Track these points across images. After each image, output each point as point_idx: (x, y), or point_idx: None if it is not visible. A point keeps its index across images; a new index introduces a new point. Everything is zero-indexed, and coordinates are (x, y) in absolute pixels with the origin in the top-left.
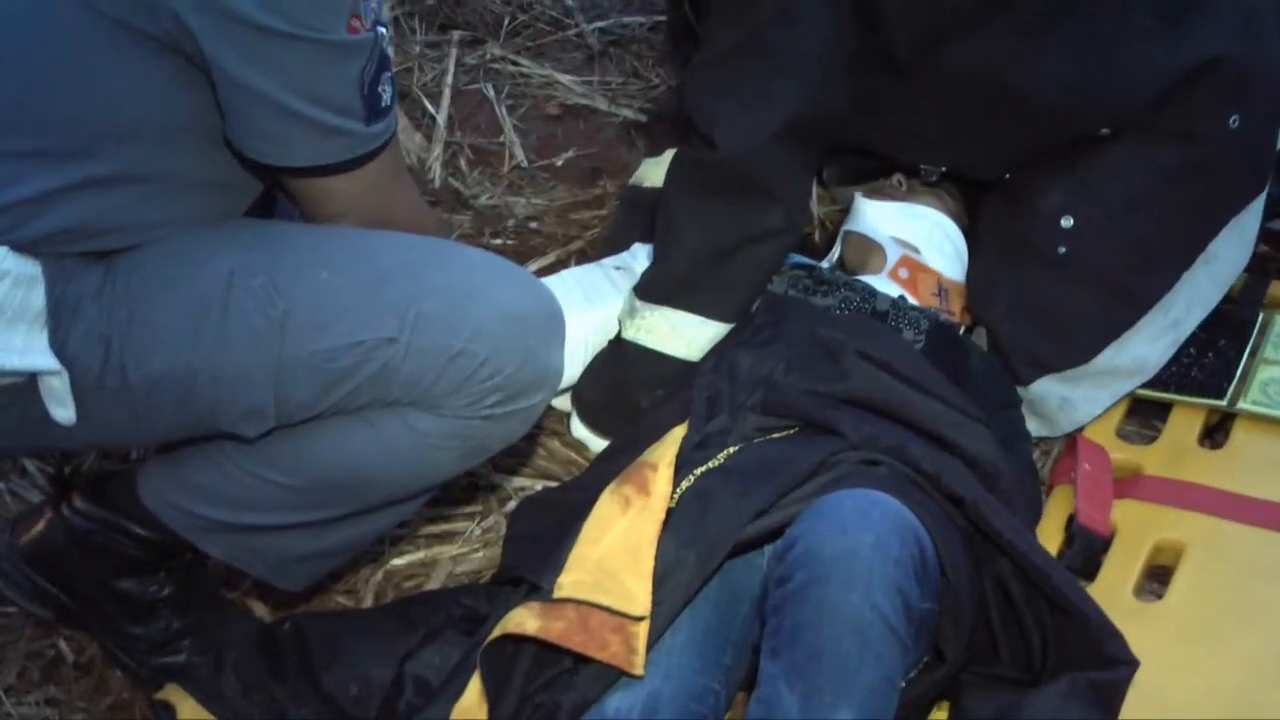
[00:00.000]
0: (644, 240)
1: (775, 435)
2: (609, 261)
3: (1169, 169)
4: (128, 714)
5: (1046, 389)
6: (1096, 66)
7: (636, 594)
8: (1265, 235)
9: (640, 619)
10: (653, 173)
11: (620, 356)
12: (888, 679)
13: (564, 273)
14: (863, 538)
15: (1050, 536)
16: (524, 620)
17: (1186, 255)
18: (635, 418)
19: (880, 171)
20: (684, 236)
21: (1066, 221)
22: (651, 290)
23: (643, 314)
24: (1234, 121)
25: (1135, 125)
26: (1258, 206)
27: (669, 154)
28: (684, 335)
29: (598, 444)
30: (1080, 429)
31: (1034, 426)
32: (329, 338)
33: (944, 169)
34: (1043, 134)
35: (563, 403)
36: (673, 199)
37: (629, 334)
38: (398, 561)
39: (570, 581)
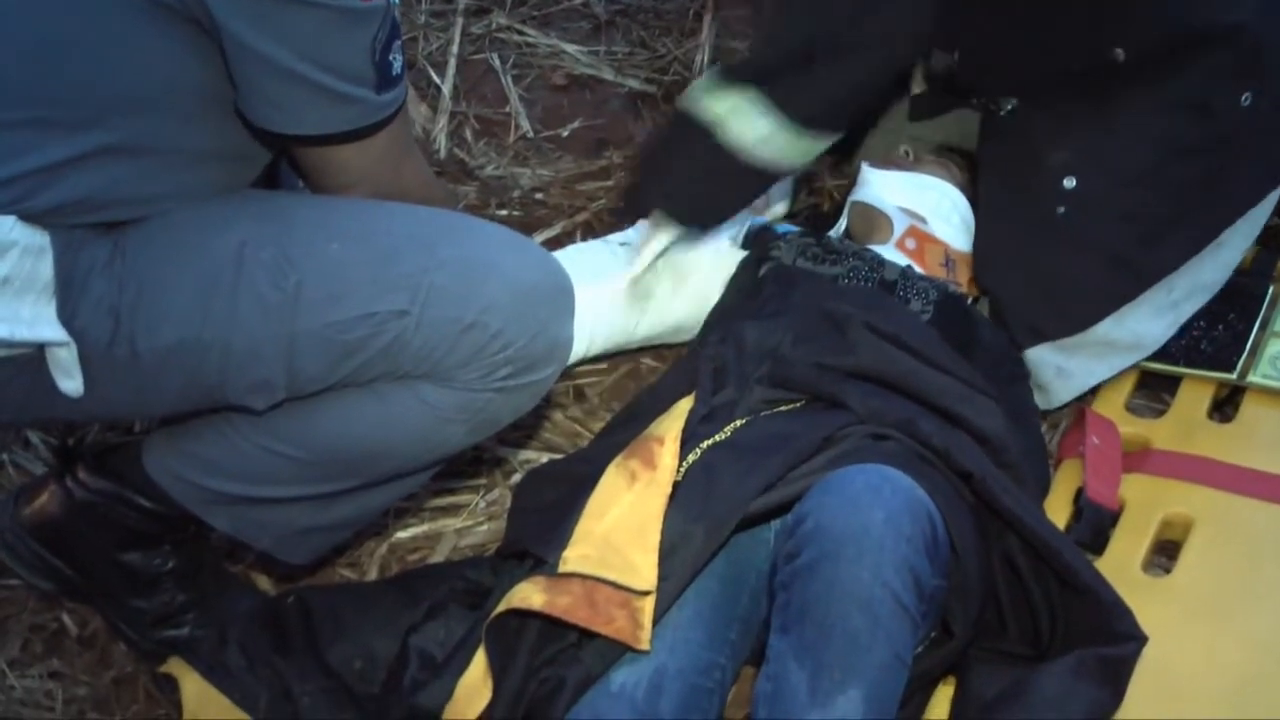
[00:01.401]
0: None
1: (782, 408)
2: (614, 237)
3: (1177, 142)
4: (131, 687)
5: (1041, 357)
6: None
7: (642, 569)
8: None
9: (646, 594)
10: None
11: (675, 125)
12: (897, 656)
13: (568, 248)
14: (874, 514)
15: (1058, 511)
16: (529, 595)
17: (1197, 238)
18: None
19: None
20: (783, 26)
21: (1069, 182)
22: (737, 70)
23: (715, 91)
24: (1246, 99)
25: (1147, 79)
26: (1270, 201)
27: None
28: (745, 118)
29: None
30: (1083, 401)
31: None
32: (341, 310)
33: (1013, 103)
34: (1069, 38)
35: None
36: None
37: (687, 105)
38: (402, 534)
39: (576, 556)
